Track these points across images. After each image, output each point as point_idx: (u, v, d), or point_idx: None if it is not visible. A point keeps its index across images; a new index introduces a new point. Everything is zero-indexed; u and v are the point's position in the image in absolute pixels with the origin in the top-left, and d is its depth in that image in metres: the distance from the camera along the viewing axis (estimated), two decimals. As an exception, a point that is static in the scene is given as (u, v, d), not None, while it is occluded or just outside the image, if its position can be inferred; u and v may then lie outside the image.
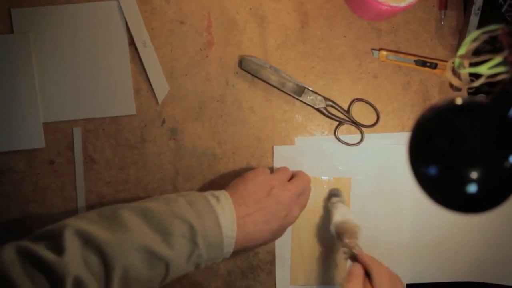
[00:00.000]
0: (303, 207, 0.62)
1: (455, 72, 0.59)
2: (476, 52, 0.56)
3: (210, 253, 0.53)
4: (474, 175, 0.34)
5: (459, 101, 0.36)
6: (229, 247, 0.54)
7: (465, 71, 0.49)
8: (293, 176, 0.63)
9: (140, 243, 0.49)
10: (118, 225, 0.50)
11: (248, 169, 0.67)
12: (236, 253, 0.56)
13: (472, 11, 0.61)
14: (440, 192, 0.36)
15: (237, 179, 0.60)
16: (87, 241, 0.48)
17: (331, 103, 0.67)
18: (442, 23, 0.66)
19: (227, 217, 0.53)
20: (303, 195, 0.62)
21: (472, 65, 0.48)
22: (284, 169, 0.63)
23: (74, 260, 0.46)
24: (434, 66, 0.66)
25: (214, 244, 0.53)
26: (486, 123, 0.35)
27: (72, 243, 0.47)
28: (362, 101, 0.67)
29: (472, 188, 0.34)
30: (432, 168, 0.35)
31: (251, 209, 0.56)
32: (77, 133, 0.66)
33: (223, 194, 0.56)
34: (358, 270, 0.54)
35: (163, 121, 0.67)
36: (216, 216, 0.53)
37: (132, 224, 0.50)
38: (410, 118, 0.68)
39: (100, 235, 0.48)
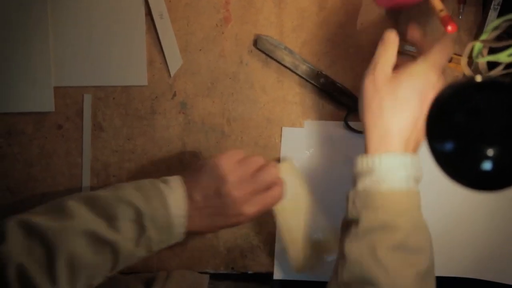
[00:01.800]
0: (265, 205, 0.57)
1: (470, 64, 0.59)
2: (491, 51, 0.56)
3: (161, 235, 0.52)
4: (490, 152, 0.34)
5: (478, 78, 0.36)
6: (180, 227, 0.53)
7: (484, 60, 0.49)
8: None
9: (84, 228, 0.49)
10: (63, 213, 0.50)
11: (255, 148, 0.67)
12: (196, 234, 0.56)
13: (492, 6, 0.61)
14: (455, 168, 0.36)
15: (198, 165, 0.57)
16: (30, 230, 0.48)
17: (343, 89, 0.67)
18: (460, 17, 0.66)
19: (176, 197, 0.53)
20: (265, 192, 0.57)
21: (490, 53, 0.48)
22: (253, 161, 0.58)
23: (16, 248, 0.46)
24: (449, 59, 0.66)
25: (164, 225, 0.52)
26: (505, 101, 0.35)
27: (14, 233, 0.47)
28: (374, 89, 0.67)
29: (487, 166, 0.34)
30: (448, 144, 0.35)
31: (198, 204, 0.54)
32: (88, 99, 0.66)
33: (173, 178, 0.55)
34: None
35: (174, 94, 0.67)
36: (163, 197, 0.52)
37: (76, 211, 0.50)
38: (420, 110, 0.68)
39: (43, 224, 0.48)
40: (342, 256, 0.51)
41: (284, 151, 0.67)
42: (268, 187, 0.57)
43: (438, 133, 0.36)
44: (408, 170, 0.50)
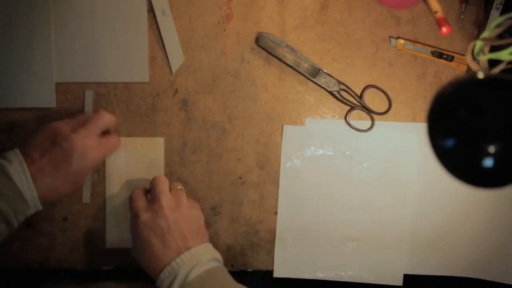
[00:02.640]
0: (105, 148, 0.61)
1: (473, 59, 0.59)
2: (492, 49, 0.56)
3: (14, 205, 0.54)
4: (491, 149, 0.34)
5: (480, 75, 0.36)
6: (31, 192, 0.55)
7: (485, 58, 0.49)
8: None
9: None
10: None
11: (256, 146, 0.67)
12: (56, 198, 0.59)
13: (494, 5, 0.61)
14: (457, 165, 0.36)
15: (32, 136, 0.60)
16: None
17: (344, 87, 0.67)
18: (462, 16, 0.66)
19: (15, 166, 0.55)
20: (106, 137, 0.62)
21: (492, 51, 0.48)
22: (83, 114, 0.63)
23: None
24: (450, 58, 0.66)
25: (13, 195, 0.54)
26: (506, 98, 0.35)
27: None
28: (375, 88, 0.67)
29: (489, 163, 0.34)
30: (450, 141, 0.35)
31: (37, 163, 0.56)
32: (89, 95, 0.66)
33: (10, 152, 0.57)
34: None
35: (175, 91, 0.67)
36: (2, 169, 0.54)
37: None
38: (422, 109, 0.68)
39: None
40: None
41: (285, 149, 0.67)
42: (104, 133, 0.62)
43: (439, 130, 0.36)
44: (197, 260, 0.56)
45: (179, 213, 0.59)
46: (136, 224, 0.59)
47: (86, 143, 0.58)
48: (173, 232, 0.58)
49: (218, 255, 0.60)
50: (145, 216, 0.59)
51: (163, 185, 0.61)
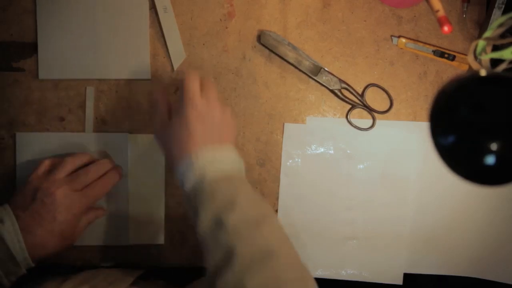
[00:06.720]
0: (96, 196, 0.60)
1: (475, 59, 0.59)
2: (494, 48, 0.56)
3: (6, 268, 0.53)
4: (493, 146, 0.34)
5: (483, 72, 0.36)
6: (23, 253, 0.54)
7: (487, 57, 0.49)
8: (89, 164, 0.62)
9: None
10: None
11: (257, 144, 0.67)
12: (50, 256, 0.57)
13: (496, 5, 0.61)
14: (459, 162, 0.36)
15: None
16: None
17: (345, 86, 0.67)
18: (464, 15, 0.66)
19: (8, 226, 0.54)
20: (91, 186, 0.60)
21: (494, 50, 0.48)
22: (68, 161, 0.60)
23: None
24: (452, 58, 0.66)
25: (5, 258, 0.53)
26: (508, 96, 0.35)
27: None
28: (376, 86, 0.67)
29: (490, 160, 0.34)
30: (452, 138, 0.35)
31: (22, 220, 0.55)
32: (90, 92, 0.66)
33: (1, 208, 0.56)
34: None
35: (177, 89, 0.67)
36: None
37: None
38: (423, 108, 0.68)
39: None
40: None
41: (285, 147, 0.67)
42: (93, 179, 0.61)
43: (442, 128, 0.36)
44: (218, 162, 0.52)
45: (225, 116, 0.56)
46: (186, 106, 0.54)
47: (71, 196, 0.58)
48: (219, 127, 0.55)
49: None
50: (201, 102, 0.55)
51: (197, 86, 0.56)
